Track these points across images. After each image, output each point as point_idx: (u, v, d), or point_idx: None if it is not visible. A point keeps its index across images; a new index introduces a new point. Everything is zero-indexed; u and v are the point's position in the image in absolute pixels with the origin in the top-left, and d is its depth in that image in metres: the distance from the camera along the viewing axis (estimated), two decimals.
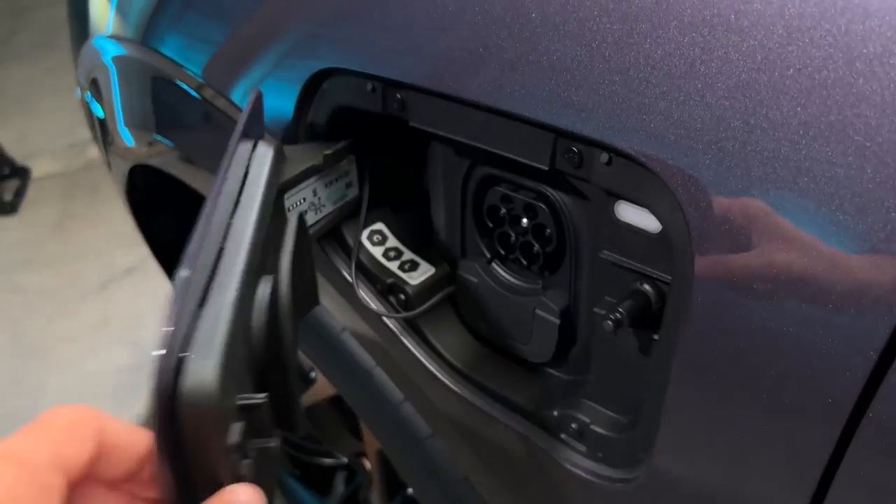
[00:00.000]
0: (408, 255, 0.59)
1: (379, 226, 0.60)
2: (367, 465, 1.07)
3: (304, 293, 0.44)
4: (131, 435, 0.34)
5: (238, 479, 0.29)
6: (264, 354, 0.33)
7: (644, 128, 0.36)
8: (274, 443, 0.31)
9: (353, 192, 0.57)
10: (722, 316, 0.36)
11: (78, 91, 1.08)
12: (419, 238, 0.60)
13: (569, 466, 0.49)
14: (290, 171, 0.50)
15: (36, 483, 0.31)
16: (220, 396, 0.27)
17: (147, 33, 0.78)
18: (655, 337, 0.43)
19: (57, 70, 3.09)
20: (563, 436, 0.50)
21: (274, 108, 0.57)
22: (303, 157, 0.52)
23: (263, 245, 0.37)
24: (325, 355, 0.79)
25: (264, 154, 0.42)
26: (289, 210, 0.51)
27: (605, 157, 0.39)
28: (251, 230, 0.35)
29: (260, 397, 0.30)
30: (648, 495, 0.45)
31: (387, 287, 0.57)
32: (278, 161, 0.45)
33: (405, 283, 0.56)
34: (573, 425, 0.49)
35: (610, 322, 0.41)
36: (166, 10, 0.75)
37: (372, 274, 0.58)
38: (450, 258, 0.58)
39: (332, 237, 0.59)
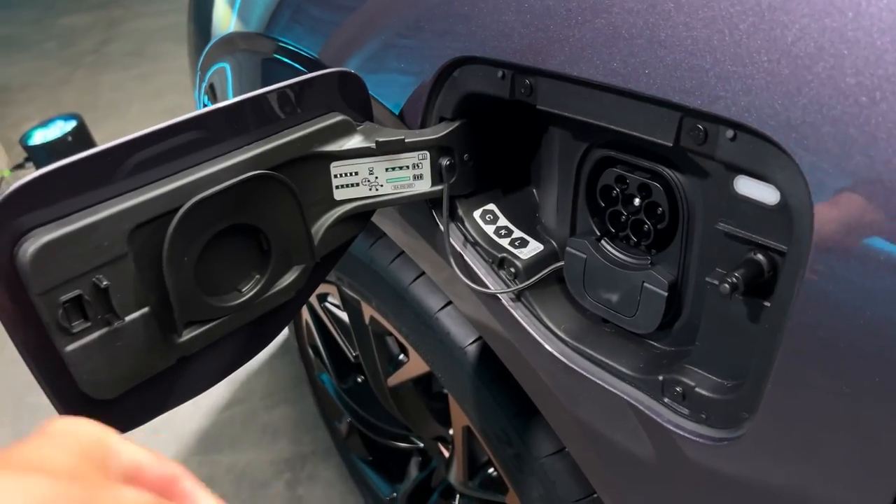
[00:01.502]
0: (518, 233, 0.64)
1: (491, 206, 0.65)
2: (444, 451, 1.11)
3: (293, 248, 0.58)
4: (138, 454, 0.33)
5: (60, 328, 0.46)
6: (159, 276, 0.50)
7: (771, 105, 0.40)
8: (103, 326, 0.48)
9: (422, 185, 0.62)
10: (838, 285, 0.40)
11: (196, 93, 1.17)
12: (527, 218, 0.65)
13: (671, 428, 0.53)
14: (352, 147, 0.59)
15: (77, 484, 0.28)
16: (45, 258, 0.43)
17: (269, 26, 0.86)
18: (766, 304, 0.47)
19: (146, 77, 3.29)
20: (666, 399, 0.53)
21: (396, 93, 0.63)
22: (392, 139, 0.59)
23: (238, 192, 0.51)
24: (420, 333, 0.84)
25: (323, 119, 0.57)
26: (338, 176, 0.59)
27: (730, 133, 0.43)
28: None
29: (103, 284, 0.47)
30: (748, 453, 0.48)
31: (498, 261, 0.62)
32: (335, 131, 0.58)
33: (516, 257, 0.61)
34: (677, 389, 0.52)
35: (727, 285, 0.45)
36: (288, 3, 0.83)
37: (485, 249, 0.63)
38: (557, 237, 0.62)
39: (452, 217, 0.65)
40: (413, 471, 1.21)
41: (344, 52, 0.70)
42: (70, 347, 0.47)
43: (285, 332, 1.52)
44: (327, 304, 1.19)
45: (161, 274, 0.50)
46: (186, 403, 0.58)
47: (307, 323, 1.26)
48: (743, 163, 0.43)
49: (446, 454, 1.10)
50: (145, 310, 0.50)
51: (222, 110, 0.52)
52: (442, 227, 0.63)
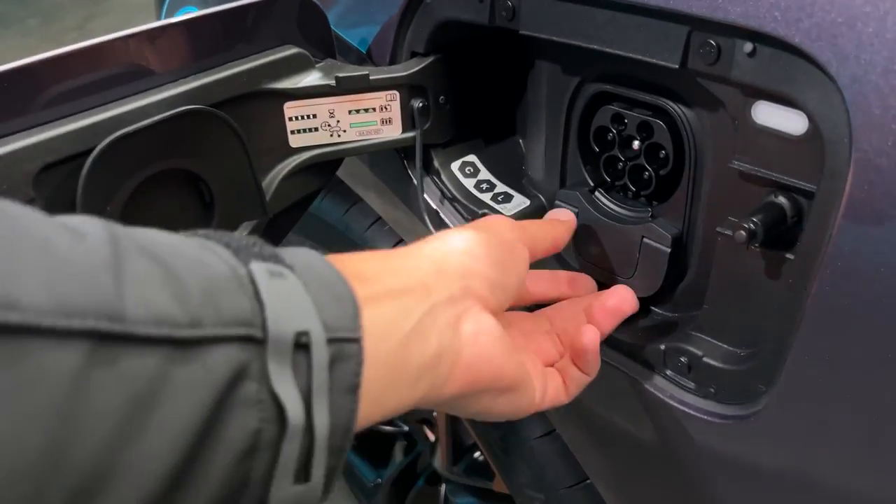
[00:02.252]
0: (501, 187, 0.57)
1: (471, 157, 0.58)
2: (430, 434, 1.05)
3: (241, 201, 0.50)
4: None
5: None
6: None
7: (800, 5, 0.33)
8: None
9: (391, 131, 0.54)
10: (880, 231, 0.32)
11: None
12: (512, 171, 0.58)
13: (675, 404, 0.46)
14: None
15: (507, 247, 0.39)
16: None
17: None
18: (789, 256, 0.39)
19: None
20: (669, 371, 0.46)
21: (361, 26, 0.55)
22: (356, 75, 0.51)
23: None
24: None
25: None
26: (293, 119, 0.51)
27: (748, 47, 0.36)
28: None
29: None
30: (765, 432, 0.41)
31: (480, 218, 0.55)
32: (290, 66, 0.50)
33: (499, 214, 0.54)
34: (682, 359, 0.45)
35: (743, 232, 0.37)
36: None
37: (464, 205, 0.56)
38: (546, 190, 0.55)
39: (427, 170, 0.58)
40: (398, 455, 1.15)
41: None
42: None
43: None
44: None
45: None
46: None
47: None
48: (764, 83, 0.36)
49: (432, 438, 1.04)
50: None
51: (153, 32, 0.45)
52: (415, 181, 0.56)
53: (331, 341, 0.26)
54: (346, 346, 0.27)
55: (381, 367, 0.30)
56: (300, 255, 0.29)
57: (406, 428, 1.14)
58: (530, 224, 0.46)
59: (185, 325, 0.22)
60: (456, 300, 0.35)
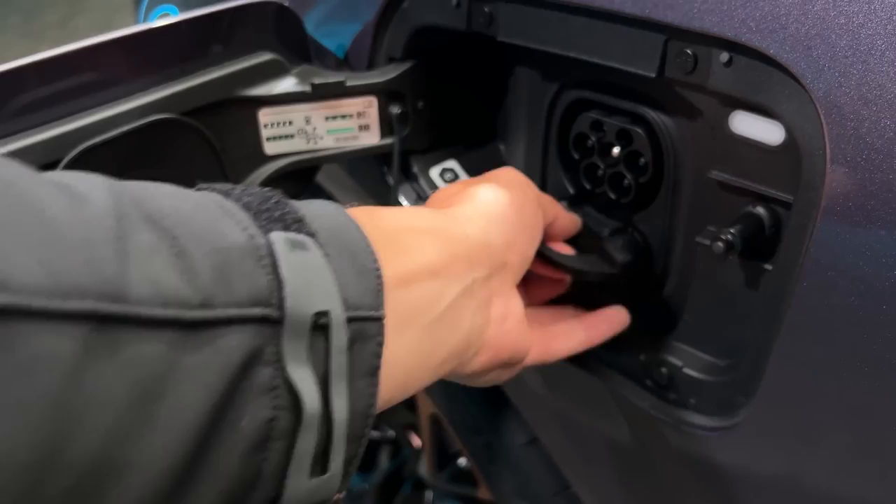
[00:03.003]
0: None
1: (451, 163, 0.57)
2: (415, 440, 1.04)
3: None
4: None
5: None
6: None
7: (775, 16, 0.32)
8: None
9: (369, 137, 0.53)
10: (856, 242, 0.32)
11: None
12: None
13: (655, 415, 0.45)
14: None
15: (531, 208, 0.37)
16: None
17: None
18: (767, 267, 0.39)
19: None
20: (648, 382, 0.46)
21: (339, 32, 0.55)
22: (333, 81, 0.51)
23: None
24: None
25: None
26: (268, 126, 0.50)
27: (724, 56, 0.35)
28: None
29: None
30: (746, 443, 0.41)
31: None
32: (264, 72, 0.48)
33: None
34: (662, 370, 0.45)
35: (721, 244, 0.37)
36: None
37: None
38: None
39: (406, 176, 0.57)
40: (383, 461, 1.14)
41: None
42: None
43: None
44: None
45: None
46: None
47: None
48: (740, 93, 0.36)
49: (417, 444, 1.03)
50: None
51: (123, 41, 0.44)
52: (391, 187, 0.55)
53: (351, 320, 0.24)
54: (367, 326, 0.25)
55: (405, 353, 0.28)
56: (326, 216, 0.27)
57: (392, 433, 1.13)
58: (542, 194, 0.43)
59: (195, 305, 0.20)
60: (492, 276, 0.33)
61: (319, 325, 0.23)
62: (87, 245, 0.19)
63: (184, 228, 0.22)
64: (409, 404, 0.97)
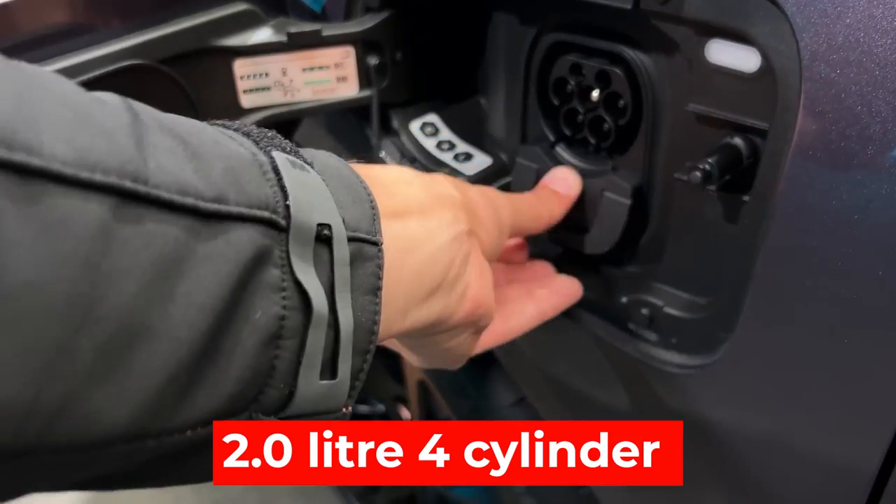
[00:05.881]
0: (462, 146, 0.56)
1: (431, 117, 0.57)
2: (405, 413, 1.04)
3: None
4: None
5: None
6: None
7: None
8: None
9: (347, 89, 0.52)
10: (833, 170, 0.32)
11: None
12: (474, 130, 0.57)
13: (638, 357, 0.45)
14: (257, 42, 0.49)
15: (492, 209, 0.38)
16: None
17: None
18: (745, 199, 0.39)
19: None
20: (631, 325, 0.46)
21: None
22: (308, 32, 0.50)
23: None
24: None
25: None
26: (244, 77, 0.49)
27: None
28: None
29: None
30: (726, 380, 0.41)
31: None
32: (239, 22, 0.47)
33: (460, 174, 0.53)
34: (643, 311, 0.45)
35: (698, 173, 0.37)
36: None
37: (423, 166, 0.55)
38: (507, 148, 0.54)
39: (385, 130, 0.56)
40: None
41: None
42: None
43: None
44: None
45: None
46: None
47: None
48: (716, 19, 0.35)
49: (408, 416, 1.03)
50: None
51: None
52: (372, 142, 0.55)
53: (351, 240, 0.25)
54: (366, 248, 0.26)
55: (404, 280, 0.29)
56: (319, 154, 0.28)
57: (382, 407, 1.13)
58: (520, 199, 0.44)
59: (209, 198, 0.21)
60: (472, 233, 0.35)
61: (322, 238, 0.24)
62: (110, 133, 0.19)
63: (195, 138, 0.23)
64: (398, 376, 0.97)
